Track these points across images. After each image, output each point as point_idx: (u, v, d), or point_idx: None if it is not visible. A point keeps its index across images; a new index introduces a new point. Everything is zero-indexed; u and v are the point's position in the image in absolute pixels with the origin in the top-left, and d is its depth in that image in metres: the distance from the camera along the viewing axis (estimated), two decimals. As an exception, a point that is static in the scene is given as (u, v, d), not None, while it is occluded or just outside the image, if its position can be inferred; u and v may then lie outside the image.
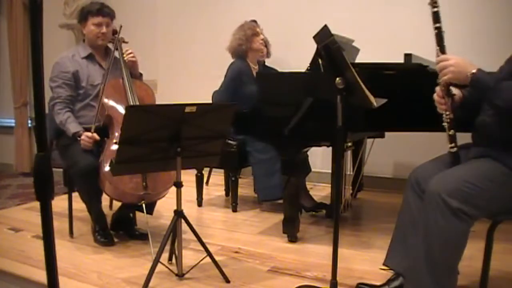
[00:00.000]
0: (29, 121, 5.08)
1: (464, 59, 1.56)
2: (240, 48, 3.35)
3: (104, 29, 2.65)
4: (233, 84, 3.26)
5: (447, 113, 1.70)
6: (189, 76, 4.62)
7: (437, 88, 1.71)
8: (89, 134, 2.45)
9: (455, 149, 1.69)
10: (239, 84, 3.25)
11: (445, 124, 1.70)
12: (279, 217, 2.82)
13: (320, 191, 3.75)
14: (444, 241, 1.56)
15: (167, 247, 2.11)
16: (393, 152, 3.82)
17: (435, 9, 1.61)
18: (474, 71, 1.54)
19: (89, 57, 2.68)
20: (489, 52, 2.77)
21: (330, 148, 2.85)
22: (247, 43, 3.34)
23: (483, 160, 1.66)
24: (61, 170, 2.64)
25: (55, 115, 2.55)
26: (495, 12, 3.42)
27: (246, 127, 2.71)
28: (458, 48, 3.31)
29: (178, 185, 2.04)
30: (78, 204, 2.59)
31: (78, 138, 2.47)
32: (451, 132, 1.69)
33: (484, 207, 1.58)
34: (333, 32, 1.65)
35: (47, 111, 2.47)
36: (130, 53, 2.69)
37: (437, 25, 1.62)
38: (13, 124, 5.09)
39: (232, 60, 3.42)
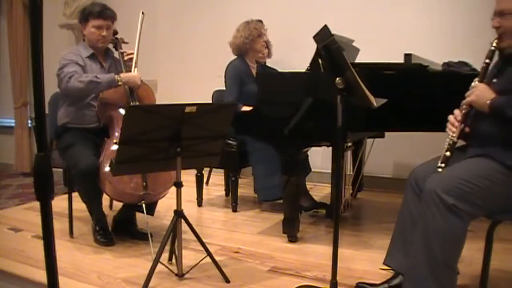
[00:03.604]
0: (29, 121, 5.08)
1: (489, 90, 1.70)
2: (243, 46, 3.33)
3: (104, 32, 2.62)
4: (236, 81, 3.25)
5: (454, 135, 1.75)
6: (189, 76, 4.62)
7: (456, 111, 1.79)
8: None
9: (440, 170, 1.71)
10: (240, 83, 3.25)
11: (446, 145, 1.75)
12: (279, 217, 2.82)
13: (320, 191, 3.75)
14: (442, 238, 1.57)
15: (167, 247, 2.11)
16: (393, 152, 3.82)
17: (492, 48, 1.76)
18: (491, 99, 1.66)
19: (91, 57, 2.66)
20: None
21: (330, 148, 2.86)
22: (251, 43, 3.33)
23: (480, 159, 1.67)
24: (61, 170, 2.65)
25: (77, 83, 2.42)
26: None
27: (246, 127, 2.71)
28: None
29: (178, 185, 2.04)
30: (78, 204, 2.59)
31: (119, 83, 2.49)
32: (448, 153, 1.73)
33: (481, 205, 1.59)
34: (333, 32, 1.65)
35: (47, 111, 2.47)
36: (131, 54, 2.68)
37: (487, 61, 1.77)
38: (13, 124, 5.09)
39: (232, 57, 3.41)
